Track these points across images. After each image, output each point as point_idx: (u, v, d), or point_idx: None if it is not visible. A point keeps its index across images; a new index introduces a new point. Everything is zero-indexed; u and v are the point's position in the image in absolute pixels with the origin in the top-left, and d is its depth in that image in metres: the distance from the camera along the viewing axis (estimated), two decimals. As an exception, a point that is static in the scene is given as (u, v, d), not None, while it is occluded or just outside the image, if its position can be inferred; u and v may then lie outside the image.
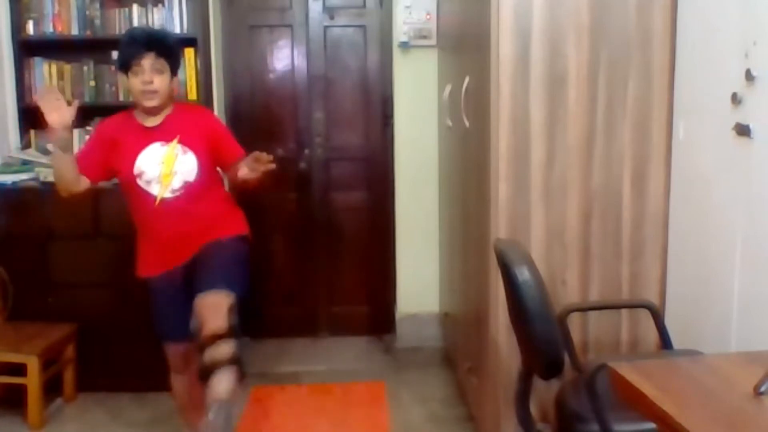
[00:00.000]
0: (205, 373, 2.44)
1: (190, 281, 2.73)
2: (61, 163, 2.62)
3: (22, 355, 3.26)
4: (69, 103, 2.52)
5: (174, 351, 2.82)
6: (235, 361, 2.47)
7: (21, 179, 3.58)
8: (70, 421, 3.40)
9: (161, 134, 2.69)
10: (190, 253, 2.73)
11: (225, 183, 2.98)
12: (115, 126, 2.77)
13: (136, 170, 2.66)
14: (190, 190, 2.68)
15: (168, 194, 2.67)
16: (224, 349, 2.44)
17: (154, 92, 2.64)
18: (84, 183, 2.71)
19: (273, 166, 2.56)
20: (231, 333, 2.47)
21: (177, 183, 2.66)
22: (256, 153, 2.55)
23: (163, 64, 2.65)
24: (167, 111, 2.73)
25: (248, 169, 2.57)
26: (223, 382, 2.42)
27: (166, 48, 2.69)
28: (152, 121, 2.71)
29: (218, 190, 2.84)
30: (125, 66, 2.65)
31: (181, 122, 2.72)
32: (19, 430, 3.30)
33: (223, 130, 2.86)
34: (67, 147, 2.59)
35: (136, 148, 2.68)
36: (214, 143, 2.74)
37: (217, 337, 2.44)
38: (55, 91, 2.59)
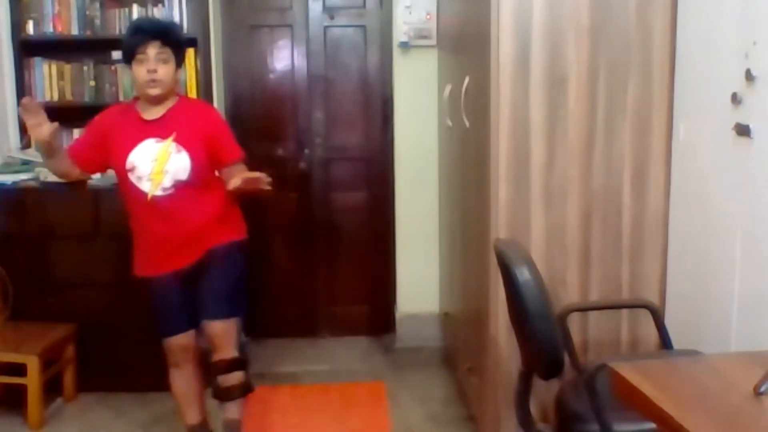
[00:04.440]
0: (220, 395, 2.81)
1: (189, 282, 2.76)
2: (46, 161, 2.78)
3: (22, 355, 3.26)
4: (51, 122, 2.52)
5: (173, 345, 2.84)
6: (246, 386, 2.85)
7: (21, 179, 3.57)
8: (70, 421, 3.40)
9: (158, 130, 2.65)
10: (187, 259, 2.73)
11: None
12: (113, 118, 2.75)
13: (128, 165, 2.64)
14: (182, 189, 2.64)
15: (159, 192, 2.64)
16: (236, 376, 2.80)
17: (158, 81, 2.61)
18: (76, 171, 2.79)
19: (269, 188, 2.61)
20: (241, 362, 2.82)
21: (168, 182, 2.63)
22: (257, 174, 2.58)
23: (168, 53, 2.62)
24: (170, 103, 2.69)
25: (242, 182, 2.57)
26: (236, 407, 2.83)
27: (172, 37, 2.66)
28: (153, 114, 2.67)
29: (216, 192, 2.76)
30: (130, 55, 2.61)
31: (180, 119, 2.68)
32: (19, 430, 3.30)
33: (223, 129, 2.81)
34: (46, 153, 2.69)
35: (130, 142, 2.65)
36: (212, 143, 2.70)
37: (229, 366, 2.78)
38: (36, 109, 2.52)
